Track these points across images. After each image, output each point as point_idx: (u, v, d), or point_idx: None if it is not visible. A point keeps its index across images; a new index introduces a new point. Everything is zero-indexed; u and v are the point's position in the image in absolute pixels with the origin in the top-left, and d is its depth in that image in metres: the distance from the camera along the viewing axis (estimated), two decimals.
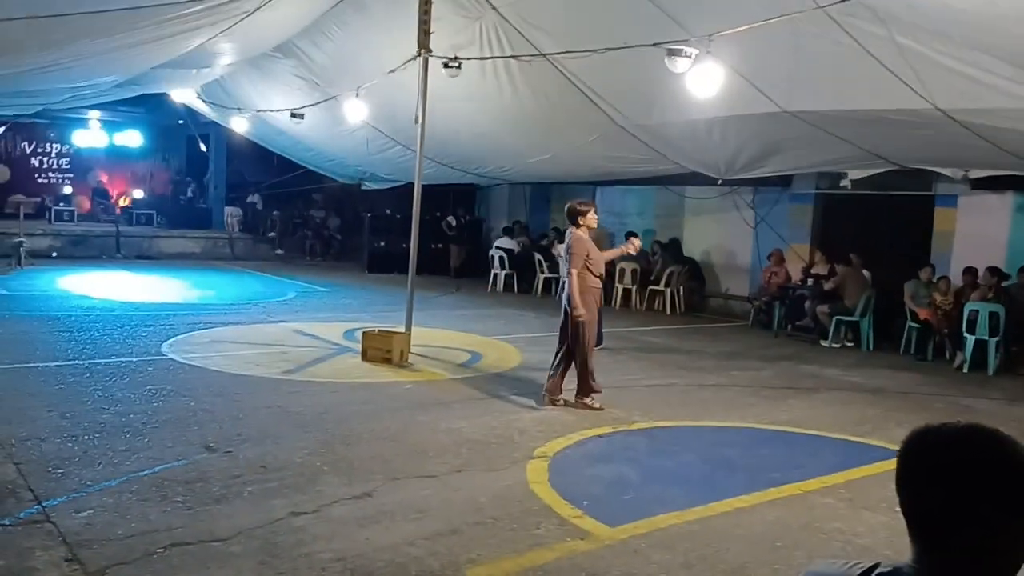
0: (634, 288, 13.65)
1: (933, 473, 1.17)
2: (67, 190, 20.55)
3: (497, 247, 15.69)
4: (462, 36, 8.44)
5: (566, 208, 6.77)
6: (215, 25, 8.14)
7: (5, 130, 18.44)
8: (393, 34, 8.69)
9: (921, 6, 5.64)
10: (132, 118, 20.79)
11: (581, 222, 6.57)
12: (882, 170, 10.09)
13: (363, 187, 17.07)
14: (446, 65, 8.30)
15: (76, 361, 7.25)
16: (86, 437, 5.11)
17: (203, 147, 19.22)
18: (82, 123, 20.69)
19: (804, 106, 7.88)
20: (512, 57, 8.34)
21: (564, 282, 6.73)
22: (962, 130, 7.27)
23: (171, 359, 7.56)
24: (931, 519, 1.17)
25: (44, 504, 4.03)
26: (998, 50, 5.79)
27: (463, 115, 9.99)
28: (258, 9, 7.86)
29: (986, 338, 9.23)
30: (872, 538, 4.18)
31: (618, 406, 6.70)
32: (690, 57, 6.55)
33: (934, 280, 10.28)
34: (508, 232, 16.32)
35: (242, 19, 8.14)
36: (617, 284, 13.74)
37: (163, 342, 8.27)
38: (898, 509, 4.31)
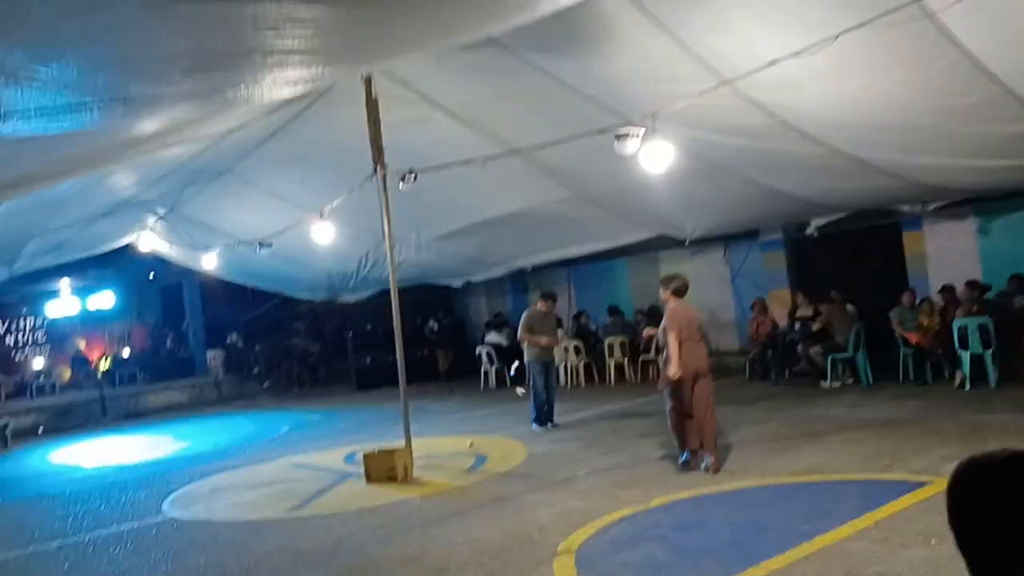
0: (625, 361, 13.63)
1: (985, 507, 1.16)
2: (46, 363, 20.34)
3: (486, 342, 15.66)
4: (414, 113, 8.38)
5: (675, 287, 7.04)
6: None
7: None
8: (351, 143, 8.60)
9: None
10: (102, 279, 20.75)
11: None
12: (842, 215, 10.33)
13: (339, 300, 16.83)
14: (402, 179, 8.44)
15: (77, 537, 7.02)
16: None
17: (151, 276, 19.03)
18: (53, 294, 20.65)
19: (755, 170, 8.10)
20: (466, 163, 8.43)
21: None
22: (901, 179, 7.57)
23: (173, 518, 7.35)
24: (988, 551, 1.15)
25: None
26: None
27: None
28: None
29: (980, 352, 9.26)
30: (914, 574, 4.06)
31: (634, 484, 6.58)
32: (637, 136, 6.76)
33: (917, 303, 10.39)
34: (494, 327, 16.31)
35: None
36: (608, 359, 13.71)
37: (163, 500, 8.05)
38: (934, 541, 4.20)
